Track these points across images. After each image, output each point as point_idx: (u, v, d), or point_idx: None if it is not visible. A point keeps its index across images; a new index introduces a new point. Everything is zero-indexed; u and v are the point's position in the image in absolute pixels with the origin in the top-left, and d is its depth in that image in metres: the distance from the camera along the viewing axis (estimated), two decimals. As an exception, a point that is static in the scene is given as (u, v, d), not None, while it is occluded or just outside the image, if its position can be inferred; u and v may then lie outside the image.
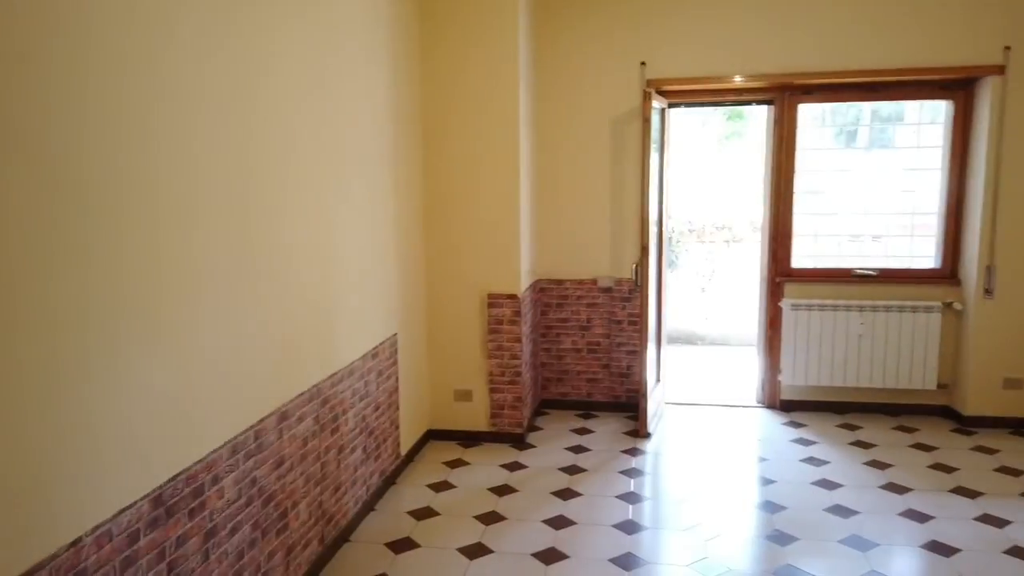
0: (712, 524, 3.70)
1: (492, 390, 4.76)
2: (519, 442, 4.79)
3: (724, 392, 5.81)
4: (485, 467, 4.43)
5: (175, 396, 2.22)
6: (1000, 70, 4.62)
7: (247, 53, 2.59)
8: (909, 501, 3.89)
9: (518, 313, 4.66)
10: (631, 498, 4.01)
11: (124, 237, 1.98)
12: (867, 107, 5.98)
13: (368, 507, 3.83)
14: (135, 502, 2.04)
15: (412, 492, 4.10)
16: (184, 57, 2.23)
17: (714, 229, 7.97)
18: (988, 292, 4.81)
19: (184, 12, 2.23)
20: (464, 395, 4.79)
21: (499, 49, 4.46)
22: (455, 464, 4.48)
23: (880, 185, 5.32)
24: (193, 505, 2.31)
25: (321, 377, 3.23)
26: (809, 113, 5.31)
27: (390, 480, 4.15)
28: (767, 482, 4.19)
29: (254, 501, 2.69)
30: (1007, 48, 4.59)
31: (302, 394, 3.05)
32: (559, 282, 5.33)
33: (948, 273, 5.07)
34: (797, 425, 5.04)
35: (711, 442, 4.78)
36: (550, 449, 4.70)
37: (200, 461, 2.35)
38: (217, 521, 2.45)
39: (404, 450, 4.39)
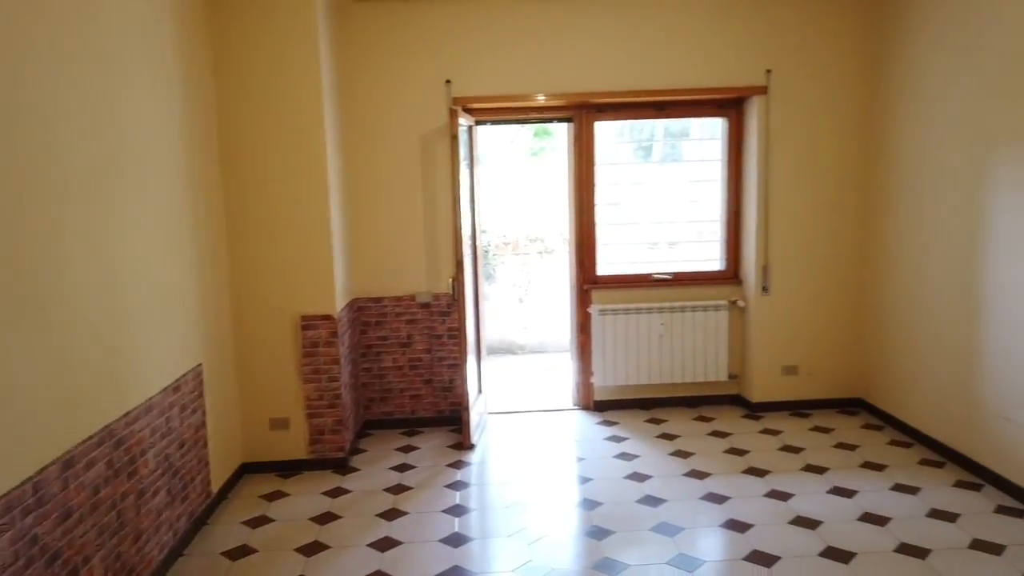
0: (536, 527, 3.81)
1: (310, 415, 4.60)
2: (342, 467, 4.66)
3: (543, 398, 6.02)
4: (306, 496, 4.27)
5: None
6: (763, 90, 5.19)
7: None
8: (709, 485, 4.23)
9: (335, 334, 4.55)
10: (457, 511, 4.03)
11: None
12: (660, 124, 6.47)
13: (176, 553, 3.55)
14: None
15: (226, 531, 3.86)
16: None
17: (528, 241, 8.27)
18: (765, 290, 5.37)
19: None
20: (280, 423, 4.59)
21: (300, 66, 4.34)
22: (273, 496, 4.28)
23: (673, 196, 5.78)
24: (-46, 576, 2.03)
25: (114, 417, 2.96)
26: (608, 130, 5.66)
27: (201, 521, 3.88)
28: (585, 480, 4.39)
29: (35, 562, 2.41)
30: (768, 71, 5.17)
31: (91, 437, 2.77)
32: (377, 300, 5.27)
33: (732, 274, 5.61)
34: (610, 424, 5.33)
35: (532, 447, 4.93)
36: (375, 471, 4.62)
37: (-38, 525, 2.06)
38: (-13, 591, 2.17)
39: (216, 487, 4.12)
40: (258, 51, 4.32)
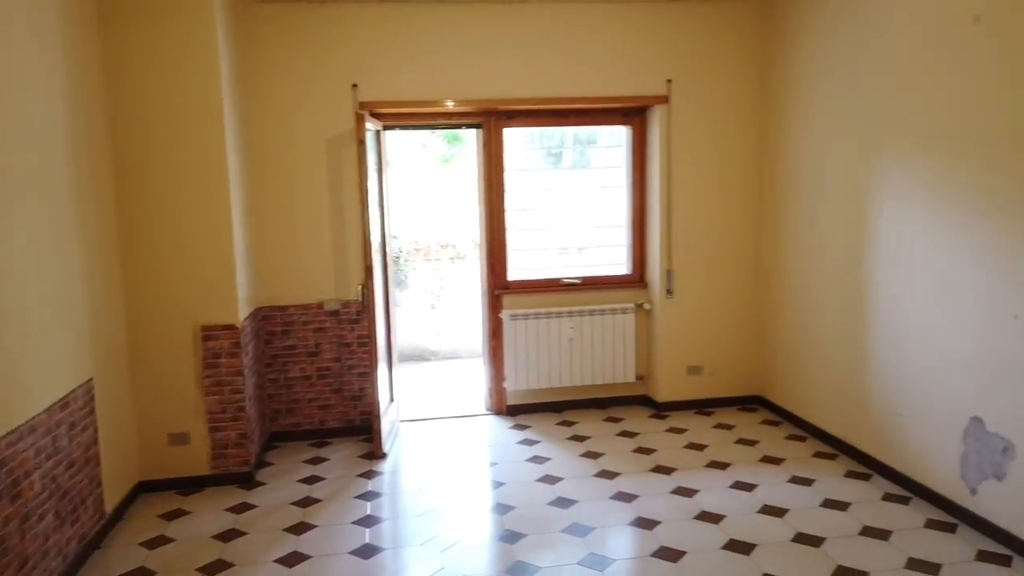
0: (448, 534, 3.79)
1: (213, 429, 4.43)
2: (247, 481, 4.51)
3: (456, 404, 6.00)
4: (208, 514, 4.11)
5: None
6: (665, 100, 5.36)
7: None
8: (618, 485, 4.32)
9: (238, 344, 4.40)
10: (368, 521, 3.97)
11: None
12: (570, 131, 6.59)
13: (66, 580, 3.35)
14: None
15: (121, 554, 3.66)
16: None
17: (440, 247, 8.22)
18: (669, 292, 5.54)
19: None
20: (180, 438, 4.40)
21: (198, 69, 4.19)
22: (173, 515, 4.09)
23: (582, 202, 5.89)
24: None
25: (-9, 438, 2.76)
26: (518, 136, 5.71)
27: (93, 544, 3.67)
28: (497, 485, 4.40)
29: (-100, 599, 2.22)
30: (669, 81, 5.35)
31: (-35, 461, 2.58)
32: (283, 308, 5.13)
33: (638, 278, 5.76)
34: (522, 427, 5.36)
35: (445, 454, 4.91)
36: (282, 484, 4.49)
37: None
38: None
39: (110, 508, 3.91)
40: (155, 54, 4.14)
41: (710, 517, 3.87)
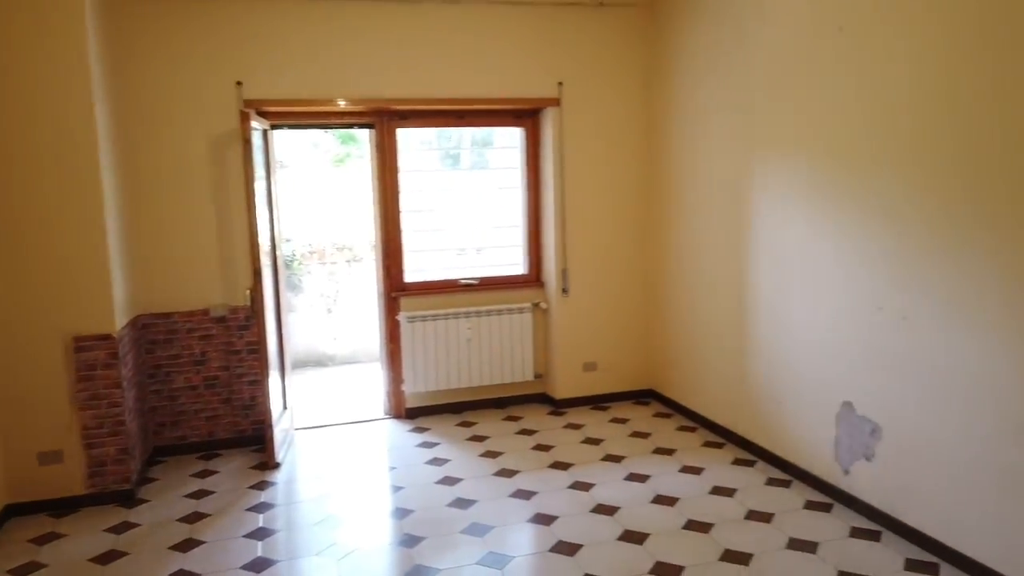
0: (346, 542, 3.72)
1: (88, 446, 4.17)
2: (128, 499, 4.26)
3: (354, 409, 5.89)
4: (85, 535, 3.86)
5: None
6: (556, 102, 5.45)
7: None
8: (517, 482, 4.36)
9: (115, 355, 4.15)
10: (261, 534, 3.83)
11: None
12: (467, 132, 6.59)
13: (-82, 618, 3.07)
14: None
15: (-15, 585, 3.39)
16: None
17: (335, 250, 8.04)
18: (565, 291, 5.63)
19: None
20: (52, 457, 4.11)
21: (67, 65, 3.93)
22: (45, 539, 3.82)
23: (480, 202, 5.90)
24: None
25: None
26: (414, 137, 5.66)
27: (-48, 577, 3.38)
28: (397, 489, 4.35)
29: None
30: (560, 83, 5.44)
31: None
32: (166, 315, 4.88)
33: (534, 277, 5.82)
34: (422, 430, 5.32)
35: (343, 460, 4.81)
36: (167, 500, 4.27)
37: None
38: None
39: (-29, 536, 3.61)
40: (20, 52, 3.86)
41: (606, 510, 3.96)
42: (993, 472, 3.05)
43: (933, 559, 3.33)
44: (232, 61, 4.83)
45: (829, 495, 4.00)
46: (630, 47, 5.56)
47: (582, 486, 4.28)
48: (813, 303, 4.04)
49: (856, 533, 3.61)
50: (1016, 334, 2.92)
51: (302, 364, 7.60)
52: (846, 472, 3.87)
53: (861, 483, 3.78)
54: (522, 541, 3.70)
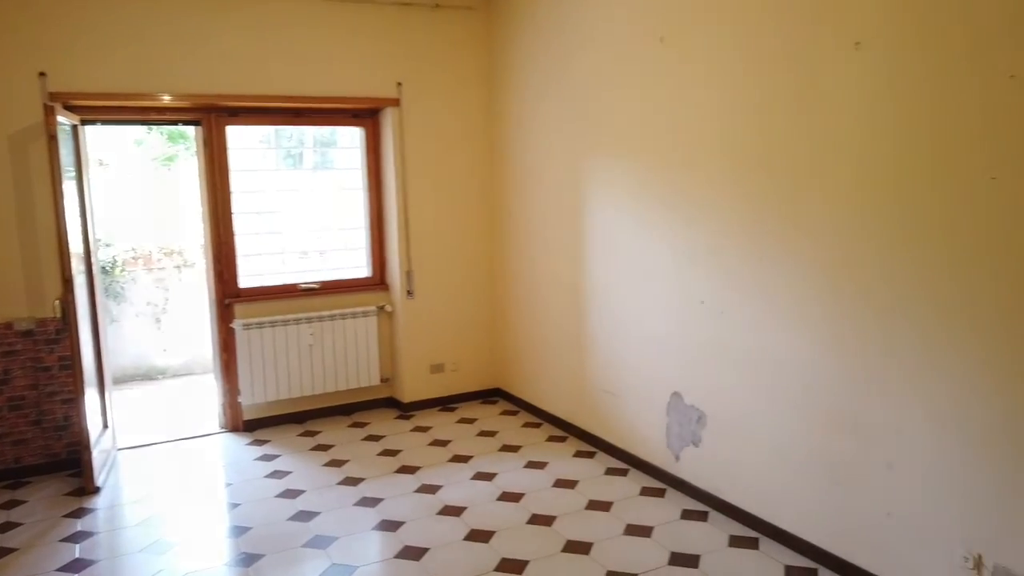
0: (177, 567, 3.48)
1: None
2: (-86, 541, 3.76)
3: (187, 424, 5.53)
4: None
5: None
6: (396, 102, 5.39)
7: None
8: (363, 490, 4.27)
9: None
10: (78, 566, 3.50)
11: None
12: (309, 132, 6.36)
13: None
14: None
15: None
16: None
17: (163, 255, 7.51)
18: (410, 293, 5.59)
19: None
20: None
21: None
22: None
23: (323, 204, 5.72)
24: None
25: None
26: (250, 135, 5.38)
27: None
28: (233, 506, 4.12)
29: None
30: (399, 84, 5.38)
31: None
32: (-42, 331, 4.35)
33: (379, 280, 5.73)
34: (261, 443, 5.09)
35: (174, 480, 4.50)
36: (-37, 538, 3.81)
37: None
38: None
39: None
40: None
41: (452, 511, 3.97)
42: (805, 451, 3.35)
43: (754, 534, 3.60)
44: (37, 50, 4.39)
45: (663, 481, 4.23)
46: (469, 50, 5.60)
47: (429, 489, 4.26)
48: (644, 297, 4.26)
49: (687, 515, 3.84)
50: (812, 324, 3.21)
51: (129, 378, 7.05)
52: (677, 458, 4.11)
53: (690, 468, 4.03)
54: (367, 550, 3.62)
